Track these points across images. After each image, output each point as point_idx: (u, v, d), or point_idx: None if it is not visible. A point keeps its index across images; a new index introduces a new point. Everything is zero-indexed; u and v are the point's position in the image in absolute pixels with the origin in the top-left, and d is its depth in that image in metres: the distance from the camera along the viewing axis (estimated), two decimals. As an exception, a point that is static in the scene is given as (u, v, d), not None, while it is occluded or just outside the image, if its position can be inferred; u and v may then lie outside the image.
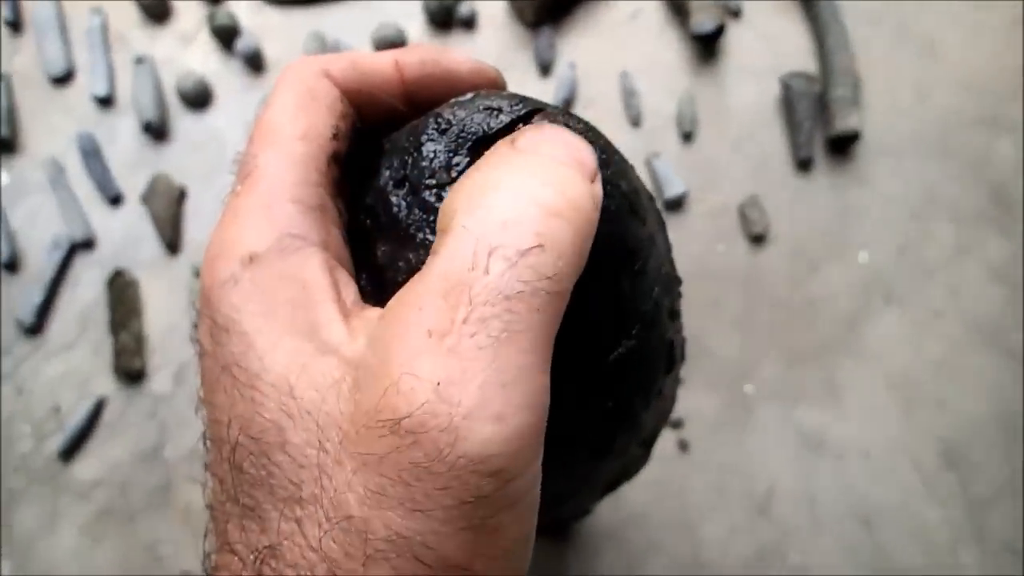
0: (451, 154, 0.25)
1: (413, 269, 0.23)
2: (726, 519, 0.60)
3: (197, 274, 0.65)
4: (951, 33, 0.70)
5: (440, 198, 0.25)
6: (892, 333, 0.63)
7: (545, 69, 0.70)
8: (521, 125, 0.26)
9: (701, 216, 0.66)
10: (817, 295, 0.64)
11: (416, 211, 0.25)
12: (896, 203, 0.66)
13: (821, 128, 0.67)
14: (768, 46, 0.70)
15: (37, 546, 0.60)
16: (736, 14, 0.71)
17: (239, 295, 0.24)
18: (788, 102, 0.67)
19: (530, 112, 0.26)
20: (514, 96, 0.27)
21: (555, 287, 0.20)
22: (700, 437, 0.61)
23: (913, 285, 0.64)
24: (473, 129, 0.26)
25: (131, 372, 0.63)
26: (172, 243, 0.66)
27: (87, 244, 0.66)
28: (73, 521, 0.61)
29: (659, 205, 0.65)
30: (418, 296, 0.21)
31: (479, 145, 0.25)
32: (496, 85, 0.29)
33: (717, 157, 0.67)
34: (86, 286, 0.66)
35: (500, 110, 0.26)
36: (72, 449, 0.62)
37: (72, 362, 0.64)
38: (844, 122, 0.65)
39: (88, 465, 0.62)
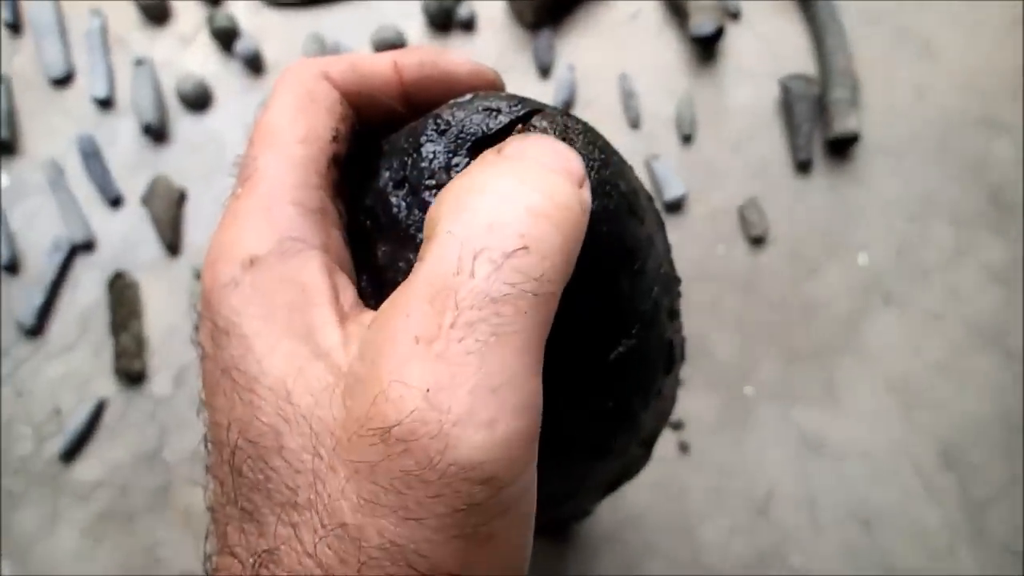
0: (450, 155, 0.26)
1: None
2: (726, 521, 0.60)
3: (198, 276, 0.65)
4: (949, 34, 0.70)
5: None
6: (891, 334, 0.63)
7: (544, 71, 0.70)
8: (520, 126, 0.26)
9: (700, 218, 0.66)
10: (816, 297, 0.64)
11: (416, 212, 0.25)
12: (895, 204, 0.66)
13: (820, 130, 0.67)
14: (767, 48, 0.70)
15: (37, 547, 0.60)
16: (735, 16, 0.71)
17: (239, 298, 0.24)
18: (787, 104, 0.67)
19: (529, 113, 0.26)
20: (513, 97, 0.27)
21: (542, 289, 0.20)
22: (700, 439, 0.61)
23: (912, 286, 0.64)
24: (472, 130, 0.26)
25: (131, 374, 0.63)
26: (172, 245, 0.66)
27: (87, 246, 0.66)
28: (73, 523, 0.61)
29: (658, 207, 0.65)
30: (405, 302, 0.21)
31: (478, 146, 0.25)
32: (495, 86, 0.29)
33: (716, 159, 0.68)
34: (86, 288, 0.66)
35: (499, 111, 0.26)
36: (72, 451, 0.62)
37: (72, 364, 0.64)
38: (843, 124, 0.65)
39: (88, 467, 0.62)
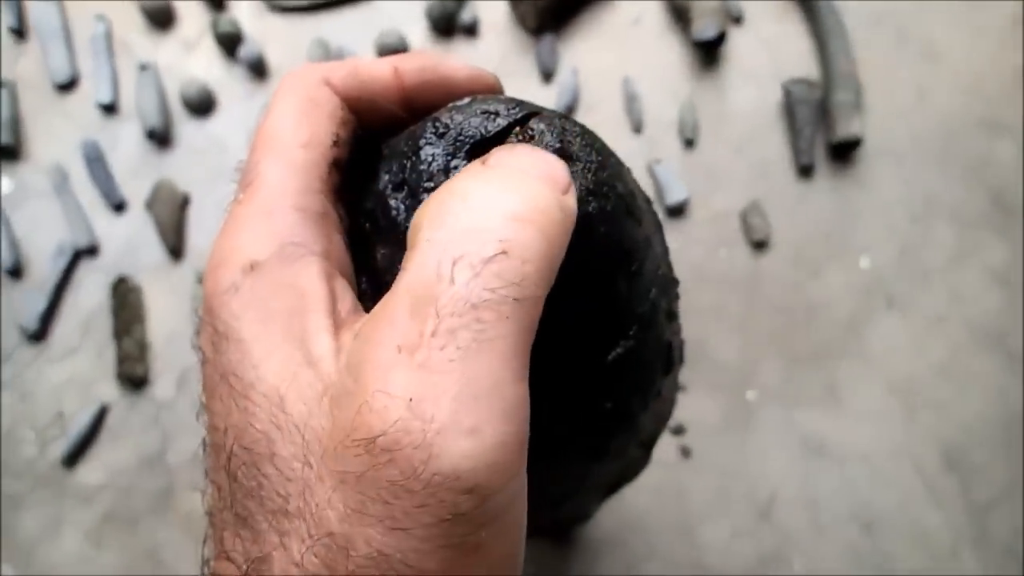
0: (449, 157, 0.26)
1: None
2: (727, 524, 0.60)
3: (200, 280, 0.65)
4: (951, 37, 0.70)
5: None
6: (893, 337, 0.63)
7: (547, 75, 0.70)
8: (518, 128, 0.26)
9: (703, 222, 0.66)
10: (819, 300, 0.64)
11: (414, 214, 0.26)
12: (897, 207, 0.66)
13: (823, 133, 0.67)
14: (769, 52, 0.70)
15: (40, 551, 0.60)
16: (738, 20, 0.71)
17: (239, 303, 0.24)
18: (789, 107, 0.68)
19: (527, 116, 0.26)
20: (511, 100, 0.27)
21: (523, 293, 0.20)
22: (702, 442, 0.61)
23: (914, 289, 0.64)
24: (470, 133, 0.26)
25: (134, 378, 0.63)
26: (175, 249, 0.66)
27: (91, 250, 0.67)
28: (76, 526, 0.61)
29: (661, 211, 0.65)
30: (387, 312, 0.21)
31: (476, 148, 0.26)
32: (494, 91, 0.29)
33: (719, 163, 0.68)
34: (89, 292, 0.66)
35: (497, 114, 0.26)
36: (75, 455, 0.62)
37: (75, 368, 0.64)
38: (846, 128, 0.65)
39: (91, 470, 0.62)
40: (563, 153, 0.25)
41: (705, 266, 0.65)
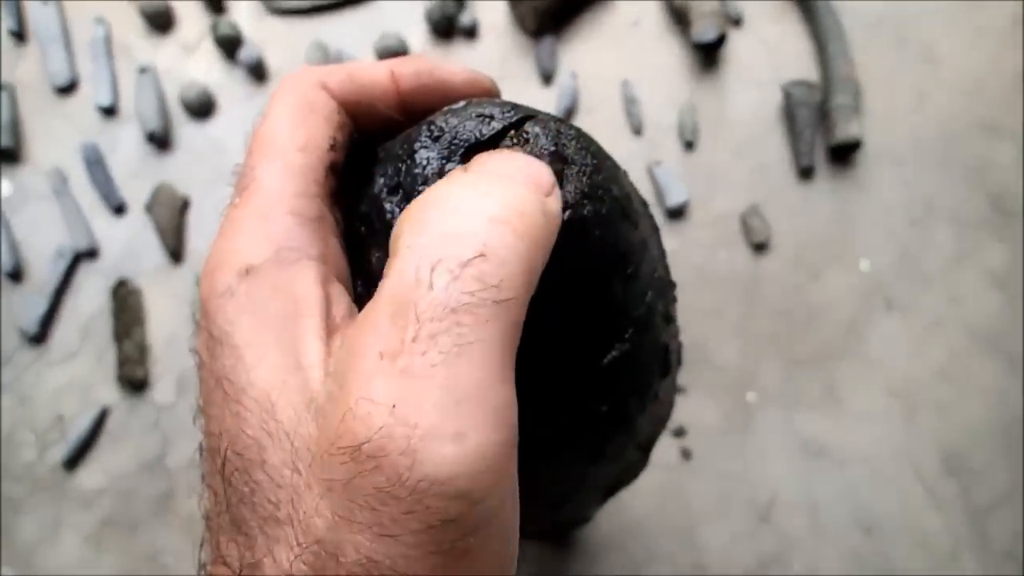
0: (444, 161, 0.26)
1: None
2: (728, 527, 0.60)
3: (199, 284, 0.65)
4: (951, 40, 0.71)
5: None
6: (893, 340, 0.63)
7: (547, 78, 0.70)
8: (513, 132, 0.26)
9: (703, 224, 0.66)
10: (818, 303, 0.64)
11: None
12: (897, 210, 0.66)
13: (822, 136, 0.67)
14: (769, 54, 0.70)
15: (40, 555, 0.60)
16: (737, 22, 0.71)
17: (234, 307, 0.24)
18: (789, 110, 0.68)
19: (522, 119, 0.26)
20: (506, 103, 0.27)
21: (503, 296, 0.20)
22: (702, 445, 0.61)
23: (914, 292, 0.64)
24: (465, 136, 0.26)
25: (134, 381, 0.63)
26: (175, 252, 0.66)
27: (91, 253, 0.67)
28: (76, 530, 0.61)
29: (661, 213, 0.65)
30: (369, 319, 0.21)
31: (471, 152, 0.26)
32: (491, 94, 0.29)
33: (718, 165, 0.68)
34: (89, 295, 0.66)
35: (492, 117, 0.26)
36: (75, 458, 0.62)
37: (75, 371, 0.64)
38: (845, 130, 0.65)
39: (91, 474, 0.62)
40: (558, 156, 0.25)
41: (705, 268, 0.65)
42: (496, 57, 0.71)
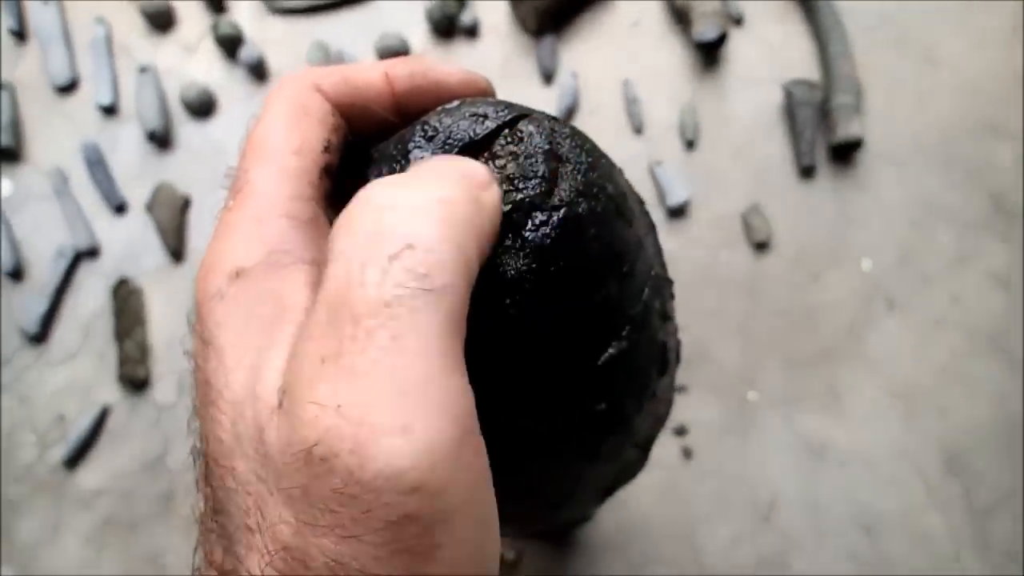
0: None
1: None
2: (729, 526, 0.60)
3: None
4: (952, 41, 0.70)
5: None
6: (894, 340, 0.63)
7: (548, 77, 0.70)
8: (507, 131, 0.26)
9: (704, 223, 0.66)
10: (819, 302, 0.64)
11: None
12: (898, 210, 0.66)
13: (823, 135, 0.67)
14: (770, 54, 0.70)
15: (40, 555, 0.60)
16: (738, 21, 0.71)
17: (223, 310, 0.23)
18: (790, 109, 0.67)
19: (515, 118, 0.26)
20: (500, 102, 0.27)
21: (435, 283, 0.20)
22: (703, 444, 0.61)
23: (915, 292, 0.64)
24: (459, 136, 0.26)
25: (135, 381, 0.63)
26: (176, 251, 0.66)
27: (91, 253, 0.67)
28: (76, 530, 0.61)
29: (662, 213, 0.65)
30: (309, 326, 0.21)
31: (465, 151, 0.26)
32: (487, 95, 0.29)
33: (719, 165, 0.68)
34: (90, 295, 0.66)
35: (486, 116, 0.26)
36: (76, 458, 0.62)
37: (76, 371, 0.64)
38: (846, 130, 0.65)
39: (92, 474, 0.62)
40: (552, 154, 0.25)
41: (706, 268, 0.65)
42: (497, 57, 0.71)
